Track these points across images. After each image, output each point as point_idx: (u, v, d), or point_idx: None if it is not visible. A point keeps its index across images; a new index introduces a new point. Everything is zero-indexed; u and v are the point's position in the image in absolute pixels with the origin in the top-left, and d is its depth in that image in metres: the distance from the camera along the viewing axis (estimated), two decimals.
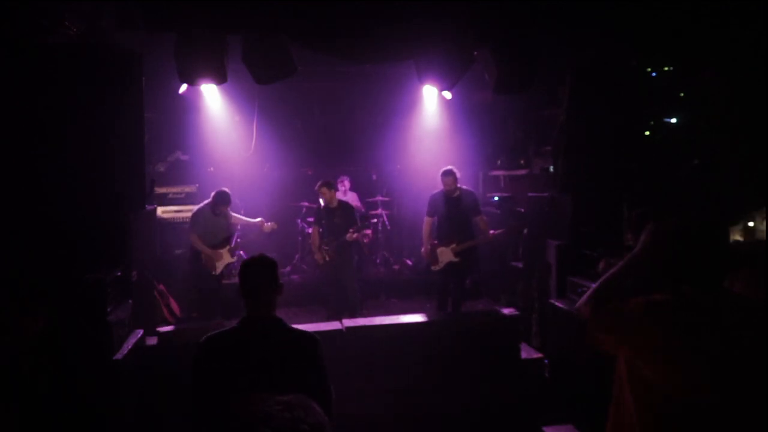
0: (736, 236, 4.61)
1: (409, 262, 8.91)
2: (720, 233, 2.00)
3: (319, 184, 6.61)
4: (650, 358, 1.90)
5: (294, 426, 1.06)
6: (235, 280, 7.92)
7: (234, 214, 6.58)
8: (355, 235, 6.44)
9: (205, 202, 6.26)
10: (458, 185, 6.12)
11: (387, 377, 4.37)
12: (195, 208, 6.39)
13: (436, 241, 6.23)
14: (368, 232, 8.45)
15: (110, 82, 3.76)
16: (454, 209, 6.09)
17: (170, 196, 7.63)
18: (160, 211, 7.15)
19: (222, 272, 6.34)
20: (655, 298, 1.97)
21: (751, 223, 4.62)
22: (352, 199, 8.62)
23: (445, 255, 6.13)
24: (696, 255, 1.94)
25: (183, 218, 7.32)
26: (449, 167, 6.13)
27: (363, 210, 8.70)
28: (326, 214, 6.64)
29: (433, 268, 6.26)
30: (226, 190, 6.24)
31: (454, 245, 6.05)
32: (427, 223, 6.33)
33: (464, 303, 6.75)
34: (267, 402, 1.11)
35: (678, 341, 1.88)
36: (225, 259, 6.31)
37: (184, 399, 2.41)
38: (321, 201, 6.65)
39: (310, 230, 8.58)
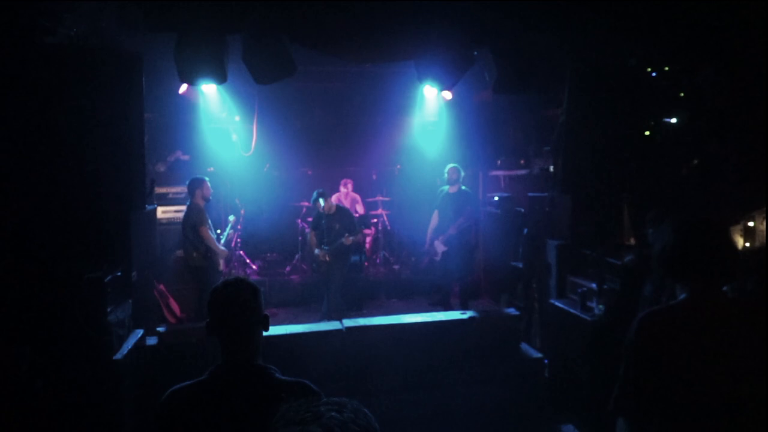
0: (737, 236, 4.60)
1: (409, 263, 8.93)
2: (721, 234, 2.01)
3: (314, 197, 6.71)
4: (655, 362, 1.92)
5: (344, 426, 1.04)
6: None
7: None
8: (350, 240, 6.61)
9: (191, 202, 6.12)
10: (459, 184, 6.82)
11: (387, 377, 4.37)
12: (186, 211, 6.22)
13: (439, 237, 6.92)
14: (368, 231, 8.49)
15: (111, 83, 3.77)
16: (445, 205, 6.87)
17: (170, 196, 7.62)
18: (160, 211, 7.14)
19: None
20: (652, 311, 2.00)
21: (751, 223, 4.62)
22: (353, 200, 8.64)
23: (439, 247, 6.91)
24: (698, 256, 1.94)
25: (180, 218, 7.31)
26: (454, 164, 6.95)
27: (363, 212, 8.72)
28: (326, 219, 6.77)
29: (435, 258, 7.09)
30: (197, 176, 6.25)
31: (441, 237, 6.89)
32: (435, 215, 7.16)
33: (465, 303, 6.85)
34: (315, 403, 1.10)
35: (677, 346, 1.89)
36: (224, 254, 6.36)
37: None
38: (320, 207, 6.75)
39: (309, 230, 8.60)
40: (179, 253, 6.82)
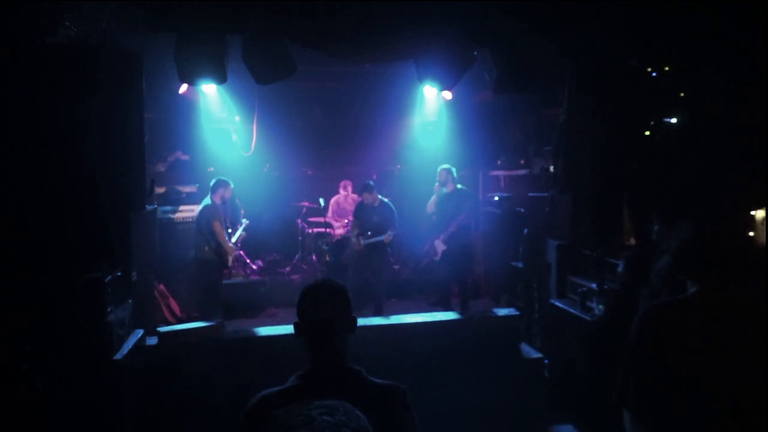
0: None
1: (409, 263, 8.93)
2: (743, 233, 2.02)
3: (360, 189, 7.09)
4: (660, 353, 1.92)
5: (336, 429, 1.04)
6: (236, 280, 8.01)
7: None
8: (389, 238, 6.83)
9: (210, 200, 6.30)
10: (452, 183, 6.82)
11: (387, 377, 4.36)
12: (201, 206, 6.38)
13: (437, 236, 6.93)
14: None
15: (110, 83, 3.76)
16: (442, 205, 6.89)
17: (172, 195, 7.63)
18: (181, 209, 7.28)
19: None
20: (652, 304, 2.00)
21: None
22: (354, 202, 8.64)
23: (439, 246, 6.90)
24: (718, 254, 1.95)
25: (183, 218, 7.32)
26: (446, 165, 6.92)
27: None
28: (366, 210, 7.02)
29: (435, 258, 7.09)
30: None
31: (442, 236, 6.87)
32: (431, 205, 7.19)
33: (465, 303, 6.87)
34: (306, 406, 1.09)
35: (684, 339, 1.89)
36: (232, 252, 6.49)
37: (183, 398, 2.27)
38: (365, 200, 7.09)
39: (309, 230, 8.60)
40: (192, 255, 6.83)
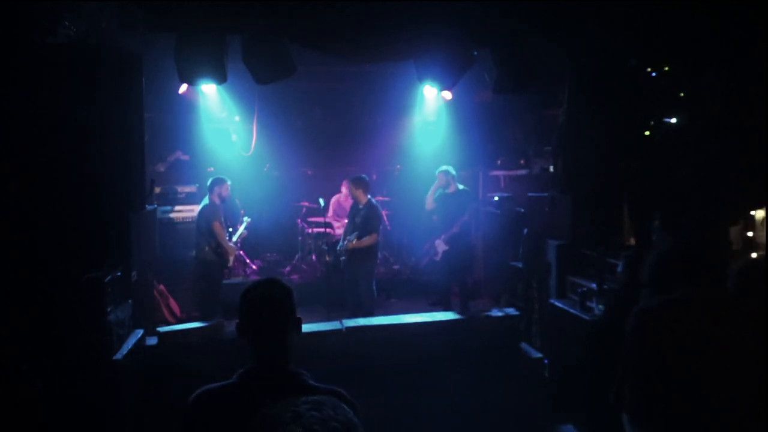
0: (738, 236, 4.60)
1: (409, 263, 8.92)
2: (719, 234, 2.03)
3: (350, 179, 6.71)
4: (655, 353, 1.93)
5: (324, 424, 1.05)
6: (236, 279, 7.99)
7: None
8: (353, 243, 6.33)
9: (208, 199, 6.29)
10: (453, 184, 6.74)
11: (387, 377, 4.37)
12: (201, 206, 6.38)
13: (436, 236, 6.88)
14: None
15: (110, 83, 3.77)
16: (443, 205, 6.80)
17: (171, 195, 7.63)
18: (177, 209, 7.27)
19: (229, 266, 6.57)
20: (646, 304, 2.00)
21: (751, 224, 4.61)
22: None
23: (440, 246, 6.83)
24: (695, 255, 1.96)
25: (183, 218, 7.32)
26: (444, 167, 6.82)
27: None
28: (353, 210, 6.67)
29: (435, 258, 7.01)
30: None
31: (443, 236, 6.78)
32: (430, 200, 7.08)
33: (465, 303, 6.86)
34: (294, 402, 1.10)
35: (678, 338, 1.89)
36: (233, 251, 6.48)
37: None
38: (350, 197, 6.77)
39: (309, 230, 8.59)
40: (192, 254, 6.82)
